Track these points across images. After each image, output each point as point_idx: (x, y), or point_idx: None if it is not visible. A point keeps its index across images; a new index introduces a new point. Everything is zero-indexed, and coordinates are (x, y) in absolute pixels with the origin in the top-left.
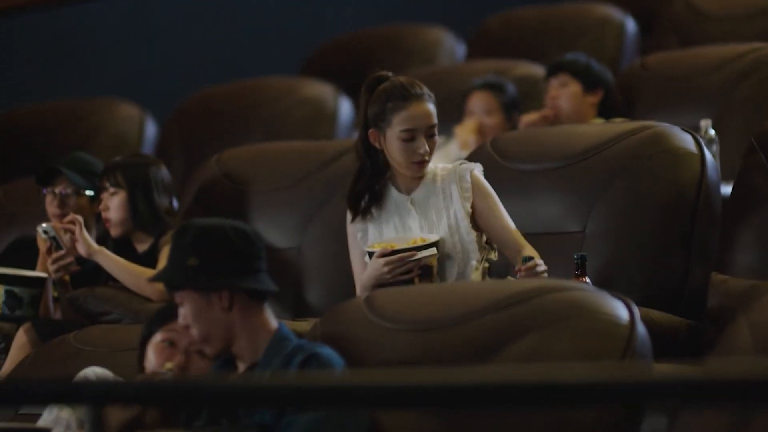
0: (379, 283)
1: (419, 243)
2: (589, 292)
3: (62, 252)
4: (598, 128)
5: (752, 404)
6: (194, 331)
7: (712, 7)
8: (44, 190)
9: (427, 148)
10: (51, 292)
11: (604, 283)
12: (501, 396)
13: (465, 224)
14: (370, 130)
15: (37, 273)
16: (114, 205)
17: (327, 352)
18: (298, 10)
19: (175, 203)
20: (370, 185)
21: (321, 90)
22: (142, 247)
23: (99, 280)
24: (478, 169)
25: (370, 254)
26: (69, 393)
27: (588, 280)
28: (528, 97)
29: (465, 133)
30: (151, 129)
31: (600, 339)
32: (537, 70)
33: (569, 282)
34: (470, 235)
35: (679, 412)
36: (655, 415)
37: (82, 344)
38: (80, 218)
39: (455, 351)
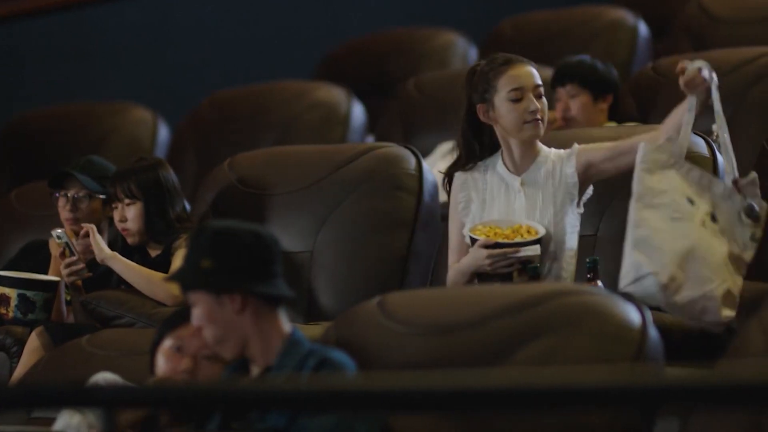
0: (479, 273)
1: (524, 233)
2: (602, 296)
3: (75, 258)
4: (610, 132)
5: (765, 407)
6: (207, 333)
7: (725, 10)
8: (56, 194)
9: (538, 106)
10: (63, 296)
11: (616, 286)
12: (514, 399)
13: (570, 212)
14: (479, 106)
15: (49, 277)
16: (131, 216)
17: (340, 356)
18: (310, 14)
19: (187, 205)
20: (472, 159)
21: (333, 93)
22: (154, 251)
23: (111, 283)
24: (577, 146)
25: (472, 240)
26: (82, 396)
27: (600, 283)
28: None
29: None
30: (163, 133)
31: (612, 343)
32: (549, 73)
33: (582, 286)
34: (573, 227)
35: (692, 415)
36: (667, 418)
37: (95, 348)
38: (93, 226)
39: (468, 354)
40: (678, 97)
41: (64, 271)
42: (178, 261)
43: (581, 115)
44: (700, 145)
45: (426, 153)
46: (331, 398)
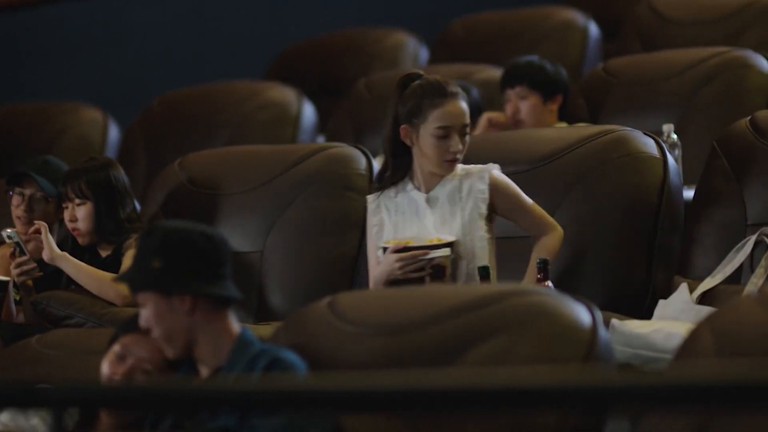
0: (391, 280)
1: (435, 242)
2: (552, 297)
3: (26, 258)
4: (561, 133)
5: (714, 407)
6: (155, 332)
7: (675, 11)
8: (11, 192)
9: (460, 147)
10: (12, 296)
11: (566, 287)
12: (464, 399)
13: (479, 226)
14: (402, 126)
15: None
16: (81, 216)
17: (290, 356)
18: (262, 14)
19: (137, 206)
20: (394, 181)
21: (284, 94)
22: (105, 252)
23: (61, 283)
24: (496, 170)
25: (385, 250)
26: (31, 396)
27: (550, 284)
28: (491, 101)
29: None
30: (114, 133)
31: (562, 343)
32: (499, 74)
33: (532, 286)
34: (483, 240)
35: (642, 415)
36: (617, 419)
37: (45, 348)
38: (45, 225)
39: (418, 355)
40: (628, 98)
41: (15, 271)
42: (128, 261)
43: (531, 117)
44: (650, 145)
45: (376, 153)
46: (281, 398)
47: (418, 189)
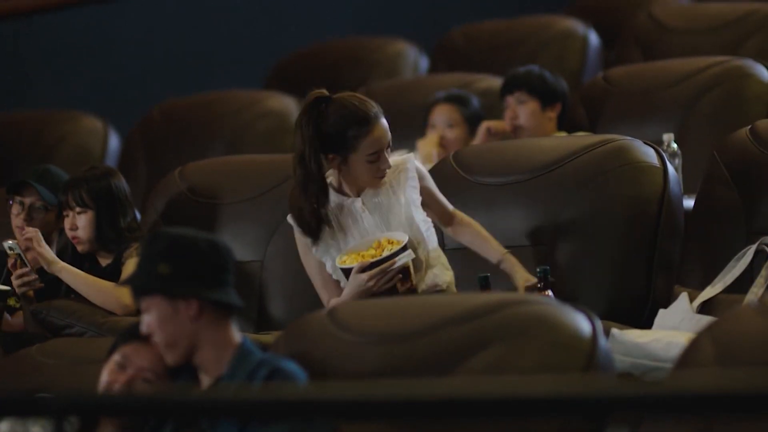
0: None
1: (386, 245)
2: (552, 306)
3: (27, 269)
4: (561, 142)
5: (714, 416)
6: (157, 338)
7: (676, 20)
8: (11, 201)
9: (389, 164)
10: (8, 302)
11: (566, 296)
12: (464, 408)
13: (418, 213)
14: (331, 156)
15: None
16: (82, 225)
17: (291, 366)
18: (262, 23)
19: (137, 215)
20: (320, 203)
21: (284, 103)
22: (105, 261)
23: (60, 291)
24: (413, 157)
25: (344, 270)
26: (31, 405)
27: (551, 293)
28: (491, 110)
29: (427, 147)
30: (114, 141)
31: (562, 352)
32: (499, 83)
33: (532, 295)
34: (426, 223)
35: (642, 424)
36: (617, 428)
37: (45, 357)
38: (39, 235)
39: (418, 363)
40: (628, 108)
41: (16, 282)
42: (129, 270)
43: (529, 122)
44: (650, 155)
45: None
46: (282, 408)
47: (348, 195)
